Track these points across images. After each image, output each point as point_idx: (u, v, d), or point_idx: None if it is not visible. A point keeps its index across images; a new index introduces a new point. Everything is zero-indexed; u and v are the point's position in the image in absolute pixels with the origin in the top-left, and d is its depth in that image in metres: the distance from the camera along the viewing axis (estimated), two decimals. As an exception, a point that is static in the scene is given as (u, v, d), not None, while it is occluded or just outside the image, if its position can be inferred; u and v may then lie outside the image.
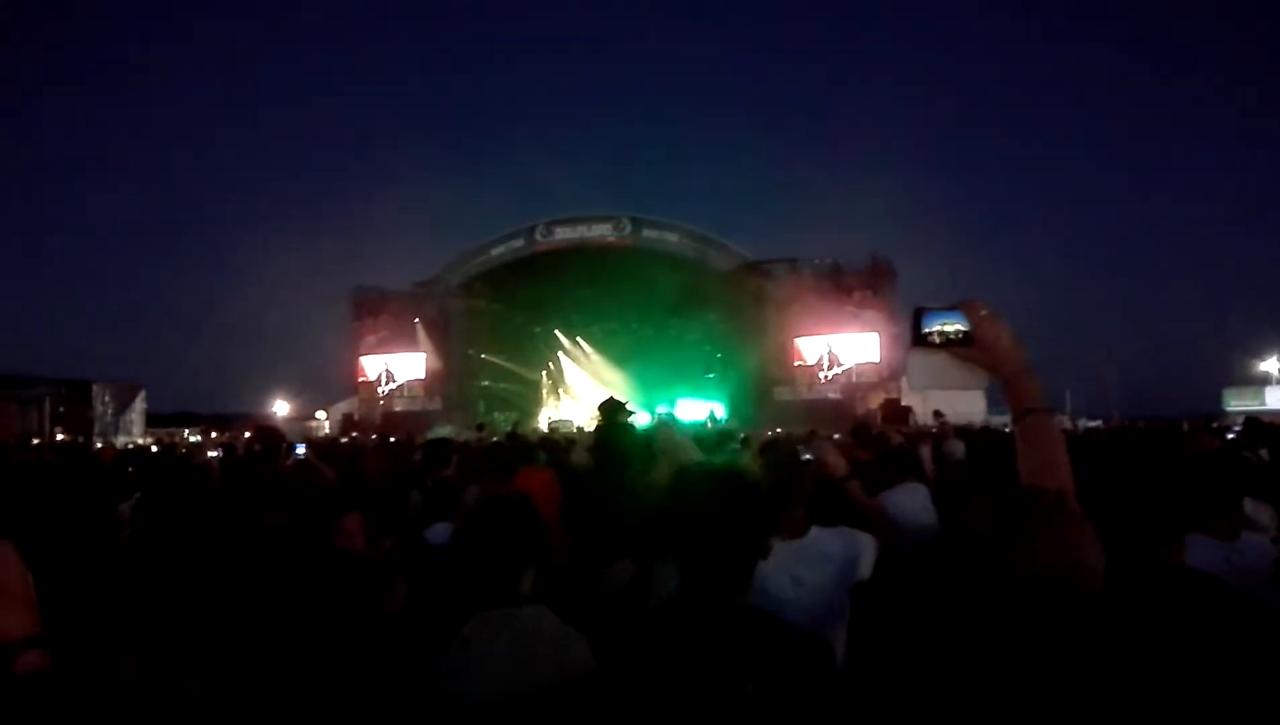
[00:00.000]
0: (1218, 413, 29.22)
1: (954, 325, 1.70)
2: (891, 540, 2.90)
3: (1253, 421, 7.55)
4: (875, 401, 26.69)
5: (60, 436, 25.73)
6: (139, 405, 34.27)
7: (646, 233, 31.50)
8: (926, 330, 1.73)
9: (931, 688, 1.40)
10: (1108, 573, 1.33)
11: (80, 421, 30.62)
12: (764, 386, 29.08)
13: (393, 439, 12.59)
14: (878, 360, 28.36)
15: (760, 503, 1.71)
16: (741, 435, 10.29)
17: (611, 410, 4.64)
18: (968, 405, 21.35)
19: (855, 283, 29.04)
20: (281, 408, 34.66)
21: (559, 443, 8.67)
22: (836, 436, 10.44)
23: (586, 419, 24.28)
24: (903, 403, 24.69)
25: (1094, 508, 1.52)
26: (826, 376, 29.00)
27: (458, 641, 1.90)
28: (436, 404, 31.90)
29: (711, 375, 32.69)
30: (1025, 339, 1.72)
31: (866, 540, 2.75)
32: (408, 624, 2.24)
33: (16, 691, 1.23)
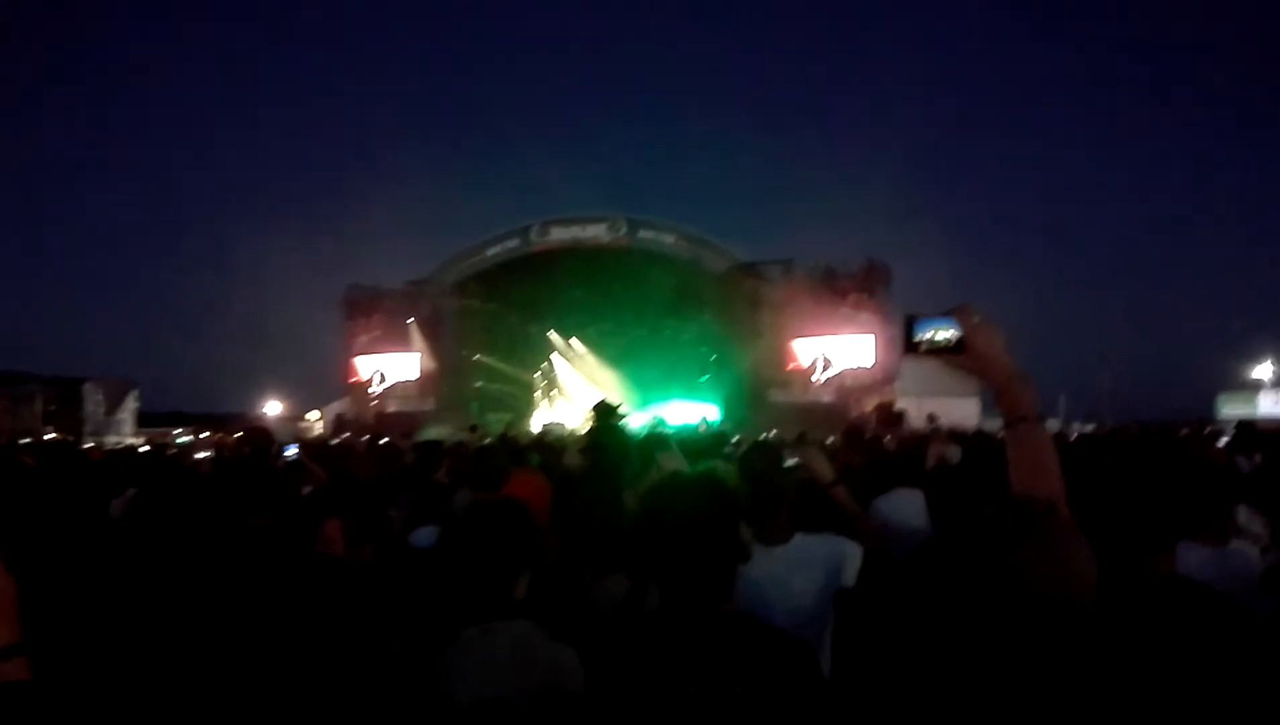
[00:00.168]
0: (1211, 418, 29.30)
1: (946, 332, 1.69)
2: (879, 547, 2.89)
3: (1244, 427, 7.58)
4: (869, 405, 26.70)
5: (51, 435, 25.63)
6: (130, 404, 34.17)
7: (642, 234, 31.51)
8: (918, 337, 1.72)
9: (921, 697, 1.39)
10: (1100, 581, 1.32)
11: (71, 420, 30.52)
12: (758, 389, 29.10)
13: (384, 440, 12.52)
14: (872, 363, 28.40)
15: (733, 508, 1.72)
16: (735, 438, 10.28)
17: (604, 412, 4.62)
18: (962, 410, 21.38)
19: (850, 285, 29.07)
20: (273, 408, 34.56)
21: (552, 445, 8.65)
22: (830, 439, 10.44)
23: (580, 421, 24.27)
24: (897, 406, 24.73)
25: (1086, 515, 1.51)
26: (821, 379, 29.02)
27: (444, 657, 1.88)
28: (430, 405, 31.83)
29: (706, 377, 32.72)
30: (1019, 343, 1.71)
31: (851, 547, 2.74)
32: (388, 632, 2.22)
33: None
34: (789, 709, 1.48)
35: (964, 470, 3.33)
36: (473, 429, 16.00)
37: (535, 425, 29.52)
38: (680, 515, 1.67)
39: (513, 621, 1.92)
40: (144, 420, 34.77)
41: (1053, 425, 20.15)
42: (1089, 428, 22.49)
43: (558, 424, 26.92)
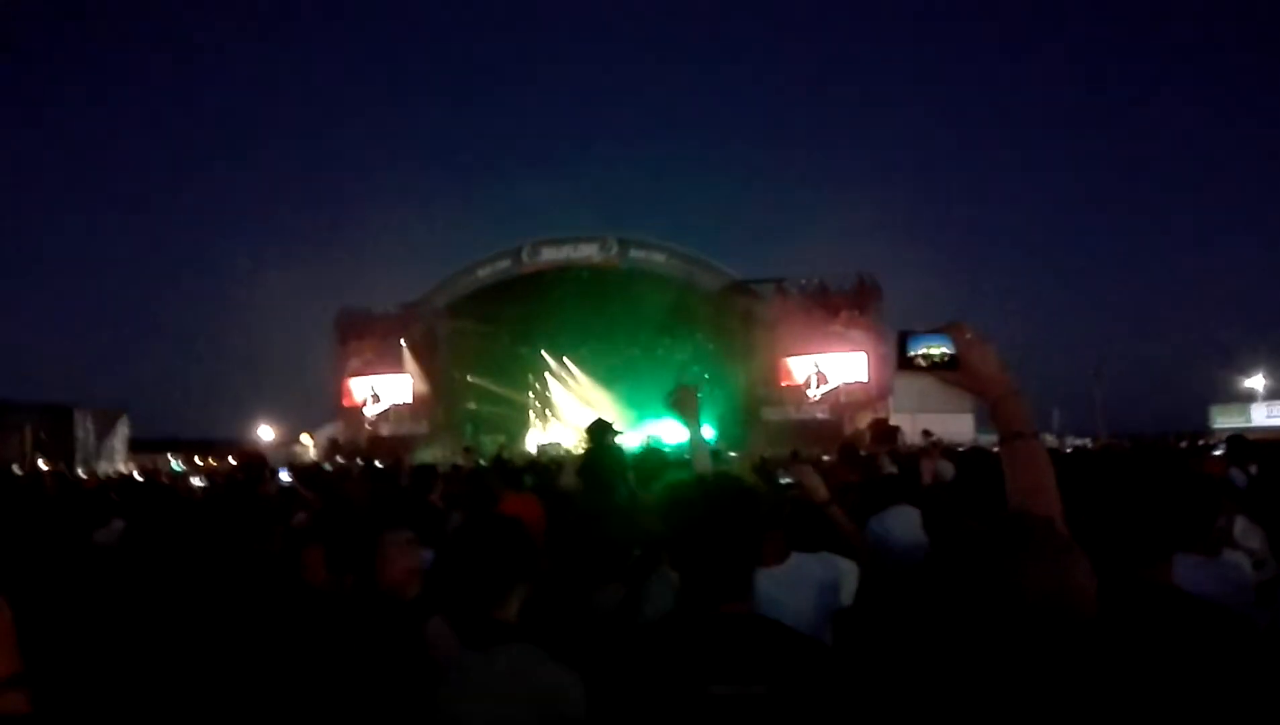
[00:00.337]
0: (1204, 430, 29.39)
1: (939, 348, 1.69)
2: (874, 565, 2.88)
3: (1237, 439, 7.58)
4: (864, 421, 26.70)
5: (41, 463, 25.48)
6: (122, 431, 33.99)
7: (634, 253, 31.53)
8: (912, 353, 1.72)
9: (925, 712, 1.39)
10: (1099, 594, 1.32)
11: (62, 448, 30.32)
12: (752, 406, 29.10)
13: (378, 464, 12.50)
14: (866, 379, 28.41)
15: (757, 511, 1.73)
16: (731, 454, 10.28)
17: (599, 432, 4.61)
18: (956, 425, 21.43)
19: (842, 302, 29.14)
20: (266, 432, 34.43)
21: (547, 466, 8.64)
22: (826, 457, 10.43)
23: (575, 441, 24.24)
24: (891, 422, 24.77)
25: (1082, 528, 1.51)
26: (815, 396, 29.02)
27: (443, 683, 1.87)
28: (423, 427, 31.75)
29: (700, 396, 32.71)
30: (1011, 358, 1.71)
31: (848, 566, 2.74)
32: (363, 661, 2.20)
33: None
34: (811, 709, 1.48)
35: (959, 486, 3.33)
36: (467, 451, 15.97)
37: (530, 446, 29.48)
38: (707, 511, 1.69)
39: (511, 644, 1.91)
40: (136, 447, 34.58)
41: (1047, 440, 20.22)
42: (1083, 442, 22.55)
43: (553, 444, 26.89)
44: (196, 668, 1.89)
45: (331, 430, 33.19)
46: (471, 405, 33.68)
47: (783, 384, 29.45)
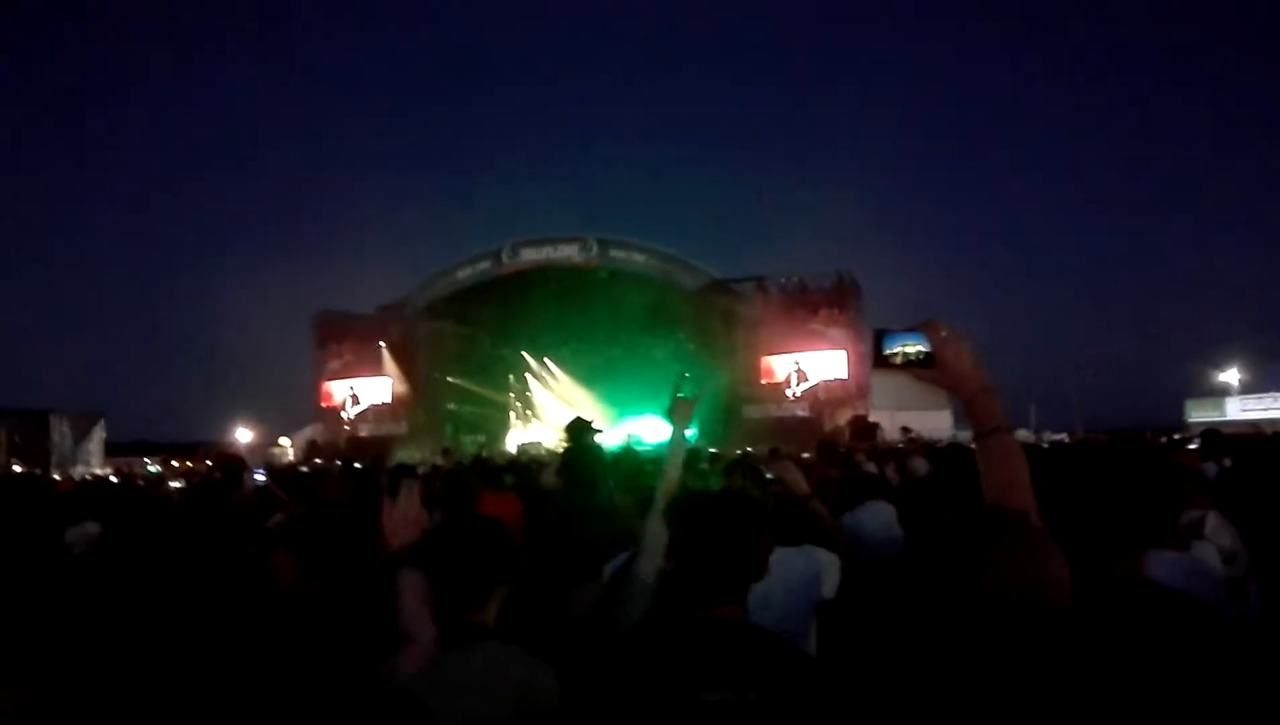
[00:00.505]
0: (1180, 424, 29.69)
1: (915, 346, 1.72)
2: (854, 557, 2.90)
3: (1211, 433, 7.65)
4: (843, 418, 26.83)
5: (16, 467, 25.19)
6: (98, 434, 33.71)
7: (614, 253, 31.52)
8: (888, 352, 1.74)
9: (905, 703, 1.40)
10: (1074, 587, 1.33)
11: (38, 451, 30.04)
12: (733, 404, 29.15)
13: (358, 465, 12.43)
14: (845, 377, 28.53)
15: (762, 523, 1.75)
16: (711, 451, 10.29)
17: (578, 431, 4.61)
18: (935, 422, 21.56)
19: (821, 301, 29.25)
20: (244, 435, 34.20)
21: (527, 465, 8.62)
22: (806, 455, 10.47)
23: (555, 441, 24.19)
24: (870, 419, 24.87)
25: (1056, 521, 1.53)
26: (795, 393, 29.11)
27: (417, 680, 1.86)
28: (403, 428, 31.62)
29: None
30: (988, 355, 1.73)
31: (830, 559, 2.75)
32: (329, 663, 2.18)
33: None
34: (804, 716, 1.48)
35: (934, 482, 3.36)
36: (445, 452, 15.90)
37: (510, 446, 29.40)
38: (716, 521, 1.71)
39: (487, 642, 1.91)
40: (112, 450, 34.29)
41: (1024, 435, 20.38)
42: (1060, 437, 22.73)
43: (534, 444, 26.82)
44: (162, 668, 1.88)
45: (310, 432, 33.03)
46: (451, 406, 33.56)
47: (763, 382, 29.52)
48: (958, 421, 21.12)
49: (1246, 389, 34.18)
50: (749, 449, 14.90)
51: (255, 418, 35.58)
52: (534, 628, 2.12)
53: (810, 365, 29.05)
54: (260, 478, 5.77)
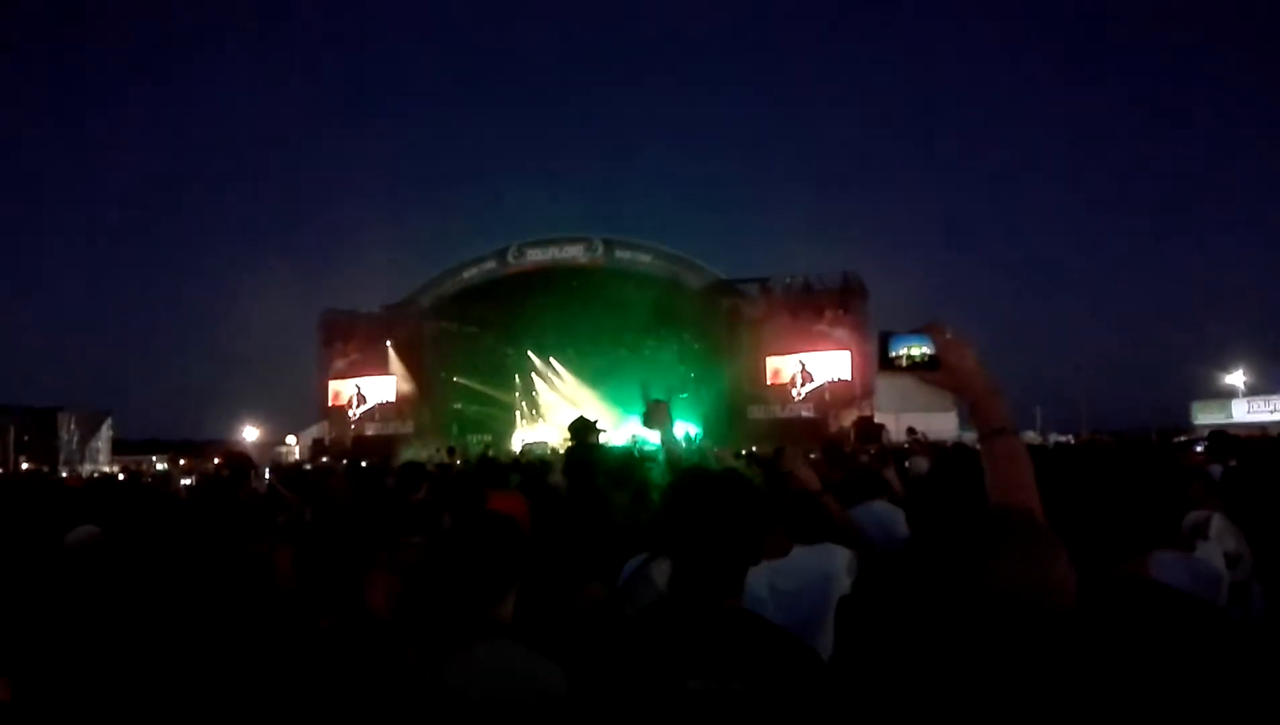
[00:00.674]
0: (1186, 426, 29.61)
1: (920, 348, 1.72)
2: (867, 552, 2.90)
3: (1218, 435, 7.64)
4: (848, 419, 26.77)
5: (25, 465, 25.29)
6: (105, 432, 33.82)
7: (619, 253, 31.52)
8: (893, 354, 1.75)
9: (910, 700, 1.40)
10: (1079, 588, 1.34)
11: (46, 449, 30.16)
12: (738, 405, 29.12)
13: (364, 463, 12.45)
14: (850, 378, 28.47)
15: (760, 506, 1.73)
16: (714, 450, 10.33)
17: (582, 430, 4.62)
18: (941, 423, 21.49)
19: (827, 301, 29.16)
20: (251, 433, 34.28)
21: (533, 464, 8.63)
22: (813, 456, 10.45)
23: (560, 440, 24.20)
24: (876, 420, 24.81)
25: (1062, 523, 1.54)
26: (800, 394, 29.06)
27: (422, 674, 1.88)
28: (408, 428, 31.63)
29: (685, 395, 32.72)
30: (993, 357, 1.74)
31: (847, 555, 2.76)
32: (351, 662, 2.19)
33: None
34: (789, 706, 1.49)
35: (934, 480, 3.36)
36: (450, 451, 15.91)
37: (515, 446, 29.41)
38: (711, 501, 1.69)
39: (498, 639, 1.92)
40: (119, 448, 34.41)
41: (1030, 437, 20.33)
42: (1066, 438, 22.67)
43: (539, 444, 26.83)
44: (151, 663, 1.89)
45: (317, 431, 33.06)
46: (457, 405, 33.58)
47: (768, 383, 29.47)
48: (963, 423, 21.06)
49: (1253, 391, 34.05)
50: (753, 449, 14.89)
51: (262, 417, 35.71)
52: (542, 625, 2.14)
53: (816, 366, 28.99)
54: (266, 476, 5.79)
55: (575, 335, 34.22)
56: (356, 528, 2.63)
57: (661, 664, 1.53)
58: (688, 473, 1.88)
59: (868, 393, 27.48)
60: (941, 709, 1.32)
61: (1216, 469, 6.05)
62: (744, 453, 12.66)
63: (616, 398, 32.87)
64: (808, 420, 27.97)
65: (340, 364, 33.31)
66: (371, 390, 32.96)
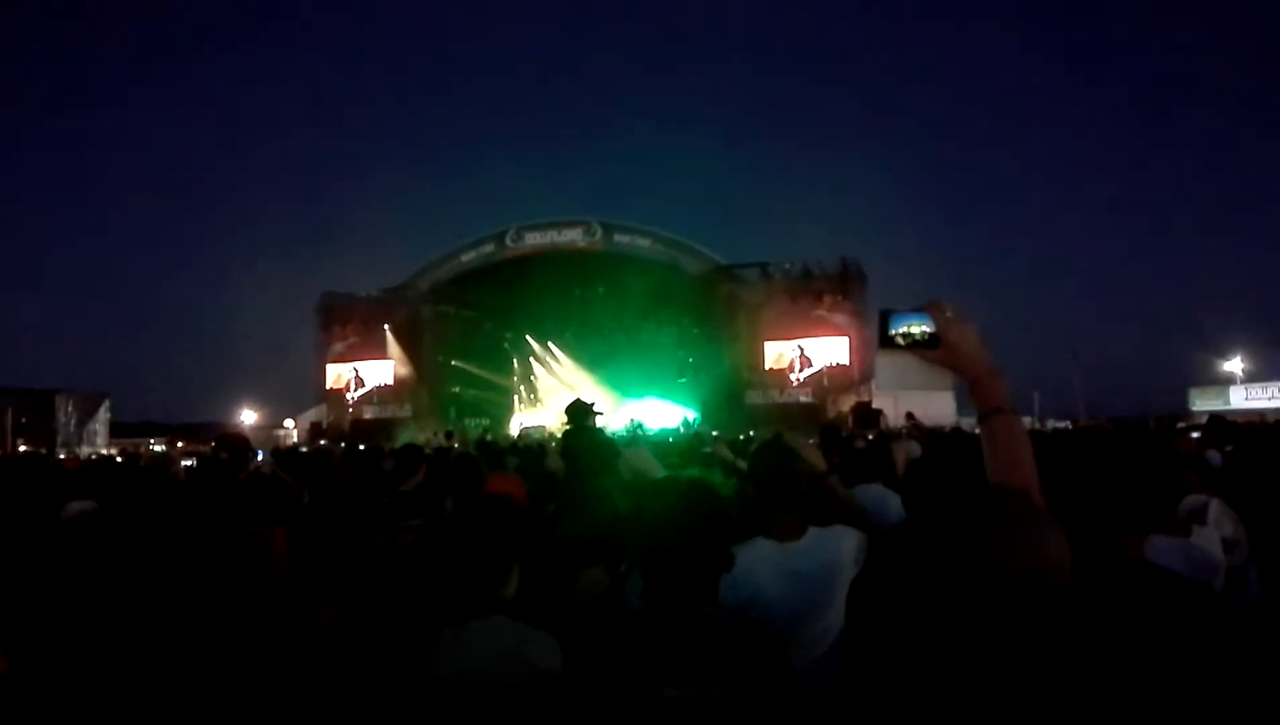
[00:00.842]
0: (1184, 412, 29.65)
1: (920, 327, 1.71)
2: (873, 533, 2.91)
3: (1216, 421, 7.65)
4: (846, 404, 26.81)
5: (22, 447, 25.29)
6: (103, 415, 33.81)
7: (618, 238, 31.49)
8: (893, 332, 1.74)
9: (900, 682, 1.41)
10: (1074, 567, 1.34)
11: (44, 432, 30.17)
12: (736, 390, 29.17)
13: (362, 447, 12.45)
14: (848, 363, 28.51)
15: (722, 516, 1.74)
16: (714, 433, 10.34)
17: (578, 413, 4.61)
18: (939, 404, 21.51)
19: (825, 286, 29.18)
20: (249, 416, 34.29)
21: (530, 448, 8.64)
22: (812, 442, 10.46)
23: (558, 424, 24.22)
24: (874, 405, 24.83)
25: (1060, 504, 1.54)
26: (798, 379, 29.10)
27: (417, 645, 1.88)
28: (406, 411, 31.67)
29: (683, 379, 32.77)
30: (992, 340, 1.73)
31: (858, 535, 2.77)
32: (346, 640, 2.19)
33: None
34: (765, 711, 1.49)
35: (925, 463, 3.36)
36: (449, 435, 15.91)
37: (514, 430, 29.44)
38: (670, 516, 1.70)
39: (494, 615, 1.92)
40: (117, 430, 34.42)
41: (1028, 422, 20.33)
42: (1064, 424, 22.70)
43: (537, 428, 26.86)
44: (140, 638, 1.89)
45: (314, 414, 33.06)
46: (455, 389, 33.60)
47: (766, 368, 29.52)
48: (961, 405, 21.08)
49: (1251, 378, 34.09)
50: (751, 434, 14.90)
51: (260, 400, 35.70)
52: (539, 608, 2.13)
53: (814, 351, 29.02)
54: (261, 458, 5.79)
55: (573, 319, 34.24)
56: (353, 510, 2.64)
57: (637, 673, 1.53)
58: (652, 485, 1.88)
59: (866, 378, 27.49)
60: (943, 687, 1.32)
61: (1214, 455, 6.06)
62: (743, 437, 12.68)
63: (615, 382, 32.90)
64: (806, 405, 28.02)
65: (338, 347, 33.30)
66: (369, 374, 32.95)
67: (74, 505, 3.65)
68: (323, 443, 22.73)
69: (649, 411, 28.73)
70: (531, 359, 36.11)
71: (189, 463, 9.05)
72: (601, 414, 4.65)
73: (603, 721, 1.52)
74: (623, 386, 32.21)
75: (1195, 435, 8.80)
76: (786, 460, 2.83)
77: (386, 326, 32.37)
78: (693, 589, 1.66)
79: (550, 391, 35.52)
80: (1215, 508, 3.21)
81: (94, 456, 17.55)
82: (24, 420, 30.47)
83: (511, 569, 2.01)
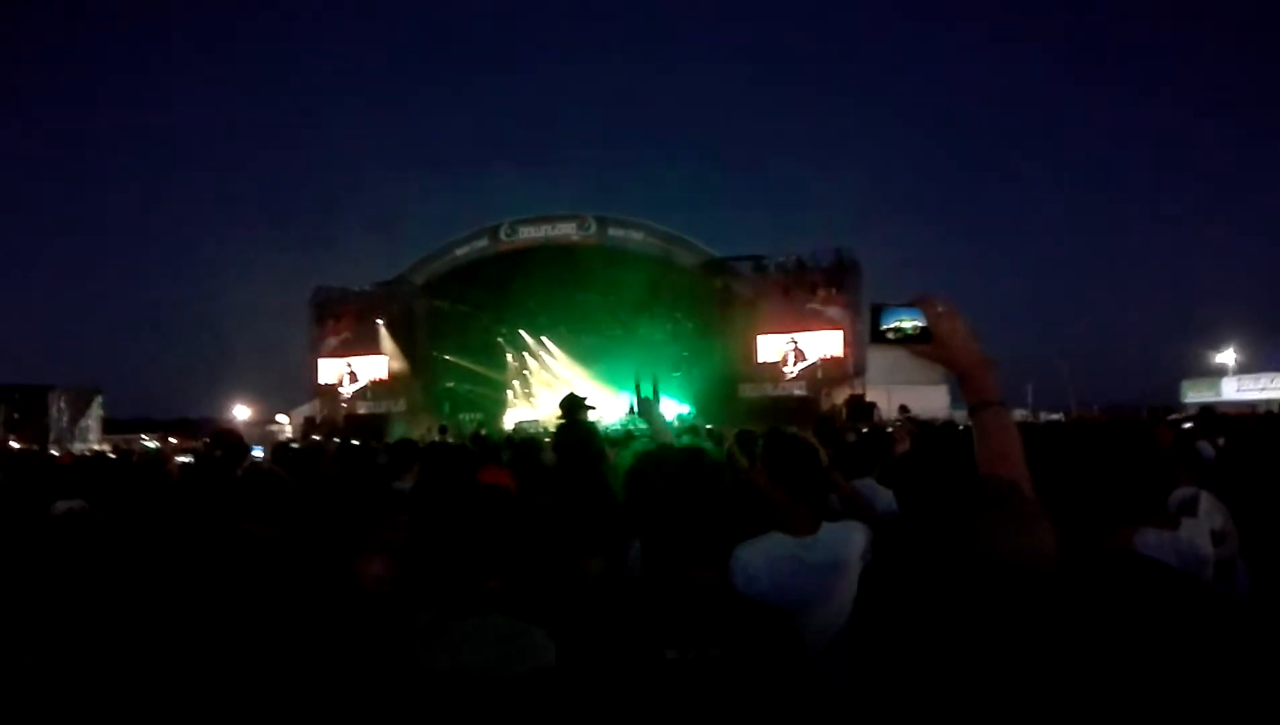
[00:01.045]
0: (1176, 404, 29.75)
1: (912, 321, 1.73)
2: (874, 524, 2.93)
3: (1206, 412, 7.69)
4: (840, 397, 26.85)
5: (14, 444, 25.23)
6: (96, 411, 33.72)
7: (612, 231, 31.45)
8: (885, 326, 1.76)
9: (890, 666, 1.42)
10: (1062, 557, 1.35)
11: (36, 428, 30.09)
12: (730, 383, 29.19)
13: (355, 442, 12.42)
14: (843, 356, 28.54)
15: (717, 481, 1.75)
16: (709, 427, 10.34)
17: (572, 406, 4.62)
18: (931, 397, 21.58)
19: (819, 279, 29.17)
20: (242, 412, 34.21)
21: (525, 442, 8.64)
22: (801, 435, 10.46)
23: (552, 418, 24.22)
24: (867, 398, 24.87)
25: (1051, 496, 1.55)
26: (792, 372, 29.13)
27: (405, 637, 1.88)
28: (400, 406, 31.62)
29: (678, 373, 32.77)
30: (984, 334, 1.74)
31: (866, 531, 2.79)
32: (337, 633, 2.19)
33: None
34: (767, 673, 1.51)
35: (914, 456, 3.38)
36: (443, 430, 15.93)
37: (508, 424, 29.44)
38: (664, 481, 1.72)
39: (480, 612, 1.93)
40: (110, 427, 34.33)
41: (1021, 414, 20.41)
42: (1057, 416, 22.77)
43: (531, 422, 26.87)
44: (145, 638, 1.89)
45: (308, 409, 32.99)
46: (449, 384, 33.58)
47: (760, 361, 29.53)
48: (954, 399, 21.14)
49: (1243, 369, 34.20)
50: (743, 429, 14.93)
51: (253, 396, 35.62)
52: (542, 599, 2.14)
53: (808, 344, 29.04)
54: (258, 454, 5.78)
55: (567, 313, 34.23)
56: (345, 506, 2.63)
57: (637, 636, 1.55)
58: (647, 454, 1.89)
59: (860, 371, 27.53)
60: (935, 676, 1.33)
61: (1205, 446, 6.09)
62: (740, 432, 12.66)
63: (609, 376, 32.90)
64: (800, 398, 28.04)
65: (331, 342, 33.20)
66: (363, 368, 32.88)
67: (61, 504, 3.64)
68: (316, 438, 22.72)
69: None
70: (526, 353, 36.09)
71: (184, 459, 9.03)
72: (595, 408, 4.65)
73: (604, 683, 1.53)
74: (617, 380, 32.20)
75: (1188, 426, 8.84)
76: (807, 455, 2.83)
77: (380, 321, 32.29)
78: (690, 552, 1.67)
79: (544, 386, 35.52)
80: (1206, 500, 3.23)
81: (87, 453, 17.52)
82: (16, 416, 30.40)
83: (498, 562, 2.02)
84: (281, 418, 33.84)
